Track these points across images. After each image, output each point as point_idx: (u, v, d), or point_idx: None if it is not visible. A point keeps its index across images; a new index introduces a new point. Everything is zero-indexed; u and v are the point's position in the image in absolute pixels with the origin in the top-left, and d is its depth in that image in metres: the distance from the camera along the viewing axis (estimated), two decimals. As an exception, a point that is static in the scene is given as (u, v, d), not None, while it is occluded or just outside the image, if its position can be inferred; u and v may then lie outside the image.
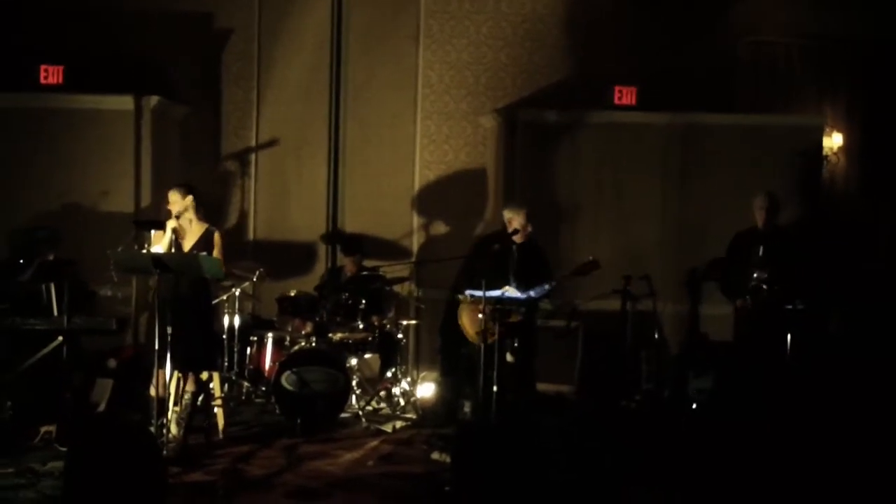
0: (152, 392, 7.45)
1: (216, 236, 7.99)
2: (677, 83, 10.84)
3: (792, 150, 10.51)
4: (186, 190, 8.00)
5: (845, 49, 11.43)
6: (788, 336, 8.44)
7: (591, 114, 10.74)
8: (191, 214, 7.97)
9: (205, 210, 8.31)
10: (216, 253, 7.87)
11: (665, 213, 10.63)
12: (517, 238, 8.57)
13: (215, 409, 8.36)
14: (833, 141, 11.53)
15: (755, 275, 8.57)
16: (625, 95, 10.71)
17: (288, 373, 8.74)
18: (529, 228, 8.69)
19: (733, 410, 8.40)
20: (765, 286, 8.52)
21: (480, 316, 8.12)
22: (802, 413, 8.09)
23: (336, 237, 11.32)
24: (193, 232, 7.95)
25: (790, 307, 8.45)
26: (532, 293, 8.30)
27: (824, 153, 11.25)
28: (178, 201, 7.91)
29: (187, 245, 7.88)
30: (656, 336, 9.56)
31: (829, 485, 6.84)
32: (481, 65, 11.47)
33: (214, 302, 9.30)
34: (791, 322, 8.46)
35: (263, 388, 9.53)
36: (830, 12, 11.27)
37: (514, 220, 8.74)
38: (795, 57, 11.49)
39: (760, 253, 8.61)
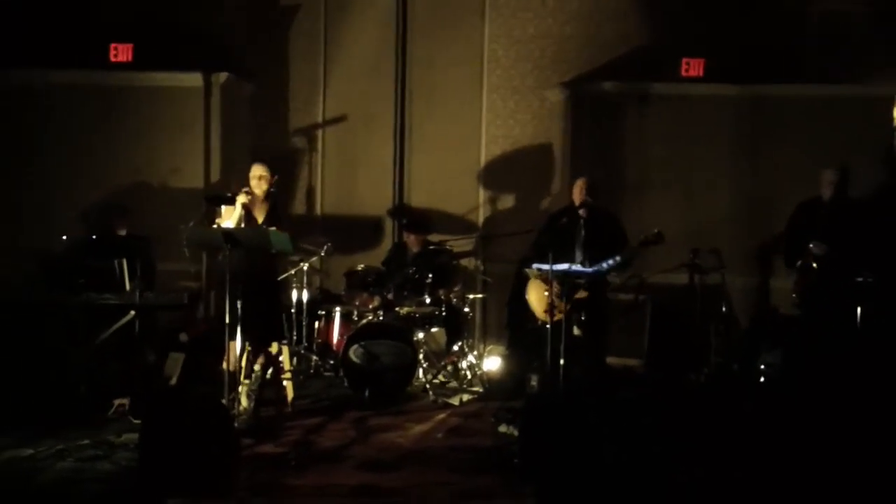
0: (224, 366, 7.55)
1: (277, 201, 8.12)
2: (746, 53, 10.69)
3: (862, 121, 10.35)
4: (268, 164, 8.13)
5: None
6: (858, 309, 8.30)
7: (659, 86, 10.66)
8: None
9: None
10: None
11: (735, 185, 10.56)
12: (583, 212, 8.53)
13: (284, 383, 8.45)
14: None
15: (811, 246, 8.46)
16: (692, 67, 10.62)
17: (356, 346, 8.80)
18: (586, 197, 8.59)
19: (802, 385, 8.32)
20: (815, 265, 8.40)
21: (546, 294, 8.11)
22: (872, 389, 7.96)
23: (401, 213, 11.35)
24: (263, 205, 8.04)
25: (860, 280, 8.31)
26: (599, 267, 8.26)
27: (895, 124, 11.05)
28: (265, 175, 8.02)
29: (260, 218, 7.96)
30: (724, 309, 9.48)
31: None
32: (547, 38, 11.40)
33: (283, 277, 9.41)
34: (861, 295, 8.32)
35: (332, 362, 9.60)
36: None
37: (574, 191, 8.72)
38: (867, 24, 11.25)
39: (823, 226, 8.50)
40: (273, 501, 6.13)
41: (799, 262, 8.58)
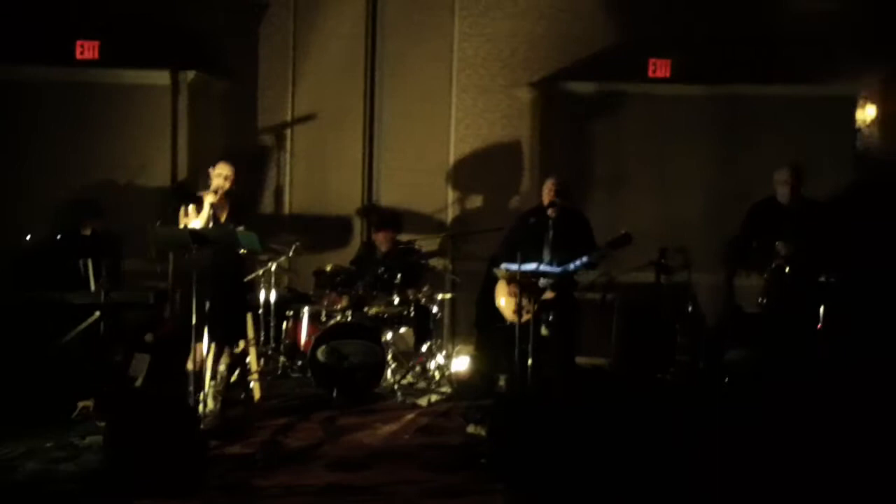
0: (189, 366, 7.51)
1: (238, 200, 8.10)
2: (716, 53, 10.73)
3: (829, 121, 10.43)
4: (233, 164, 8.08)
5: (888, 17, 11.19)
6: (821, 309, 8.34)
7: (629, 86, 10.70)
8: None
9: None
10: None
11: (704, 184, 10.60)
12: (551, 212, 8.55)
13: (252, 383, 8.40)
14: (866, 113, 11.37)
15: (776, 246, 8.47)
16: (658, 68, 10.66)
17: (324, 346, 8.78)
18: (555, 197, 8.60)
19: (769, 383, 8.35)
20: (787, 269, 8.43)
21: (514, 295, 8.13)
22: (838, 387, 8.00)
23: (371, 211, 11.33)
24: (224, 204, 8.00)
25: (822, 279, 8.35)
26: (566, 268, 8.27)
27: (857, 125, 11.13)
28: (230, 175, 7.98)
29: (222, 217, 7.92)
30: (690, 308, 9.51)
31: (864, 468, 6.74)
32: (518, 37, 11.37)
33: (251, 276, 9.38)
34: (824, 295, 8.36)
35: (299, 363, 9.56)
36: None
37: (544, 191, 8.74)
38: (836, 25, 11.27)
39: (785, 227, 8.52)
40: (241, 502, 6.10)
41: (774, 264, 8.57)
